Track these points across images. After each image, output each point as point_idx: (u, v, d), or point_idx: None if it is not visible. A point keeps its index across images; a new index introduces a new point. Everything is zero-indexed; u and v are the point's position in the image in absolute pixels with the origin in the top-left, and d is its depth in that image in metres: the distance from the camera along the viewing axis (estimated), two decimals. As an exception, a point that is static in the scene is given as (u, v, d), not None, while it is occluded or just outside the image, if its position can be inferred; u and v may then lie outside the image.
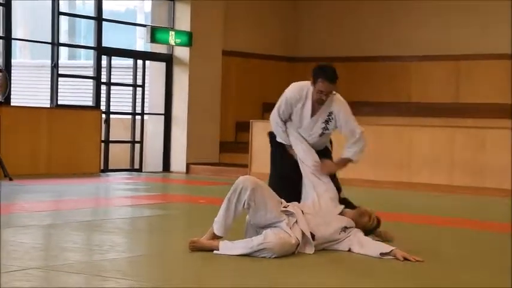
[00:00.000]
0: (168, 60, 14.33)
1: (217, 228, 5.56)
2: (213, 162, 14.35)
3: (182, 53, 14.24)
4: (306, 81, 6.18)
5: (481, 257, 5.98)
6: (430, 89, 14.74)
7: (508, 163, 11.13)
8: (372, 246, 5.65)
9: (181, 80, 14.23)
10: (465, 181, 11.37)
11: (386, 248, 5.56)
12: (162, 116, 14.31)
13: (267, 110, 15.35)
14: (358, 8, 15.44)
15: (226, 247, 5.45)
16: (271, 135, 6.46)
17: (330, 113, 6.07)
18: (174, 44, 13.99)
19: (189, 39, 14.06)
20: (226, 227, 5.56)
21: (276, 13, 15.98)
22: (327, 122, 6.09)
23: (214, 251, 5.44)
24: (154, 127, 14.39)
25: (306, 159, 6.12)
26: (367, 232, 5.92)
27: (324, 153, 6.27)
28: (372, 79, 15.18)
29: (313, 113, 6.10)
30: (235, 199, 5.52)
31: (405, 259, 5.44)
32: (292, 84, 6.31)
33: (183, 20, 14.16)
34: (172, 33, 13.94)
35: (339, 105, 6.09)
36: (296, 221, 5.61)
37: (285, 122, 6.26)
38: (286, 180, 6.18)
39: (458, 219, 8.37)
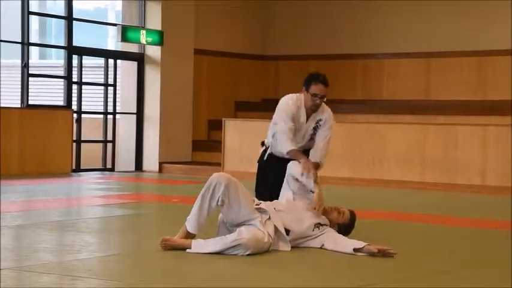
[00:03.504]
0: (139, 59, 14.28)
1: (190, 226, 5.55)
2: (185, 161, 14.33)
3: (153, 52, 14.20)
4: (293, 94, 6.42)
5: (453, 251, 6.03)
6: (402, 86, 14.82)
7: (479, 159, 11.22)
8: (344, 243, 5.67)
9: (153, 79, 14.19)
10: (437, 178, 11.45)
11: (359, 244, 5.58)
12: (134, 115, 14.26)
13: (239, 109, 15.54)
14: (329, 6, 15.48)
15: (199, 245, 5.44)
16: (261, 155, 6.57)
17: (319, 120, 6.35)
18: (145, 43, 13.95)
19: (160, 38, 14.02)
20: (199, 225, 5.55)
21: (247, 11, 15.98)
22: (315, 128, 6.37)
23: (187, 250, 5.43)
24: (126, 126, 14.34)
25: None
26: (346, 228, 5.93)
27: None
28: (344, 76, 15.22)
29: (307, 117, 6.35)
30: (209, 195, 5.52)
31: (380, 251, 5.46)
32: (284, 99, 6.44)
33: (154, 19, 14.12)
34: (143, 32, 13.89)
35: (329, 114, 6.40)
36: (269, 217, 5.61)
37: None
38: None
39: (429, 216, 8.42)
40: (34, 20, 16.59)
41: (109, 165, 13.97)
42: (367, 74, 15.15)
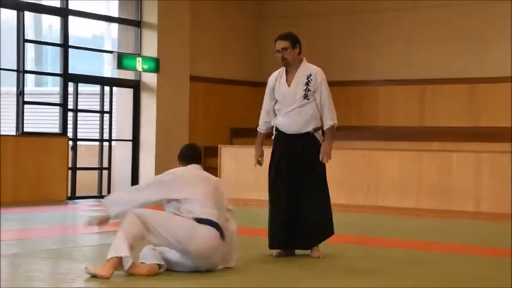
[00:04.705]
0: (135, 86, 14.32)
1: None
2: (181, 188, 14.28)
3: (149, 79, 14.24)
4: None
5: (448, 277, 6.02)
6: (397, 112, 14.87)
7: (473, 185, 11.23)
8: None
9: (149, 106, 14.22)
10: (432, 204, 11.45)
11: None
12: (130, 142, 14.26)
13: (235, 135, 15.55)
14: (325, 33, 15.56)
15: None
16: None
17: (309, 75, 6.83)
18: (141, 70, 13.99)
19: (156, 65, 14.07)
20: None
21: (242, 38, 16.06)
22: (307, 83, 6.82)
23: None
24: (122, 153, 14.33)
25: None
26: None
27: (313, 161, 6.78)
28: (340, 103, 15.21)
29: (290, 80, 6.84)
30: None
31: None
32: None
33: (150, 46, 14.18)
34: (139, 59, 13.94)
35: (315, 69, 6.92)
36: None
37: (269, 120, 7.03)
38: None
39: (424, 243, 8.42)
40: (30, 48, 16.62)
41: (105, 193, 13.93)
42: (362, 100, 15.19)
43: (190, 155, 6.11)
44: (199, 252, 5.59)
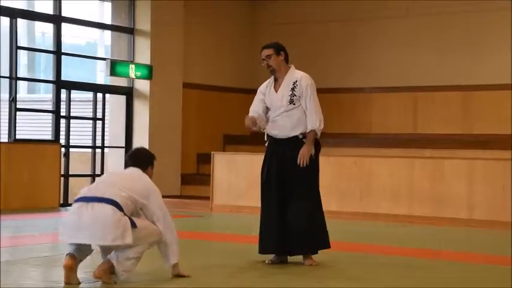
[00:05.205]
0: (128, 93, 14.31)
1: None
2: (174, 195, 14.29)
3: (142, 85, 14.24)
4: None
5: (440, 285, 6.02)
6: (390, 120, 14.89)
7: (465, 193, 11.25)
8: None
9: (142, 113, 14.22)
10: (424, 211, 11.46)
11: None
12: (123, 149, 14.24)
13: (228, 142, 15.55)
14: (318, 41, 15.58)
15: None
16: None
17: (295, 81, 6.96)
18: (134, 77, 13.99)
19: (149, 72, 14.07)
20: None
21: (236, 45, 16.07)
22: (293, 89, 6.92)
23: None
24: (114, 160, 14.31)
25: None
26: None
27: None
28: (333, 111, 15.28)
29: (278, 87, 6.99)
30: None
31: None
32: None
33: (143, 53, 14.18)
34: (132, 66, 13.94)
35: (302, 74, 7.05)
36: None
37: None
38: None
39: (415, 249, 8.43)
40: (23, 55, 16.61)
41: (97, 200, 13.90)
42: (355, 107, 15.22)
43: (127, 160, 6.31)
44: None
